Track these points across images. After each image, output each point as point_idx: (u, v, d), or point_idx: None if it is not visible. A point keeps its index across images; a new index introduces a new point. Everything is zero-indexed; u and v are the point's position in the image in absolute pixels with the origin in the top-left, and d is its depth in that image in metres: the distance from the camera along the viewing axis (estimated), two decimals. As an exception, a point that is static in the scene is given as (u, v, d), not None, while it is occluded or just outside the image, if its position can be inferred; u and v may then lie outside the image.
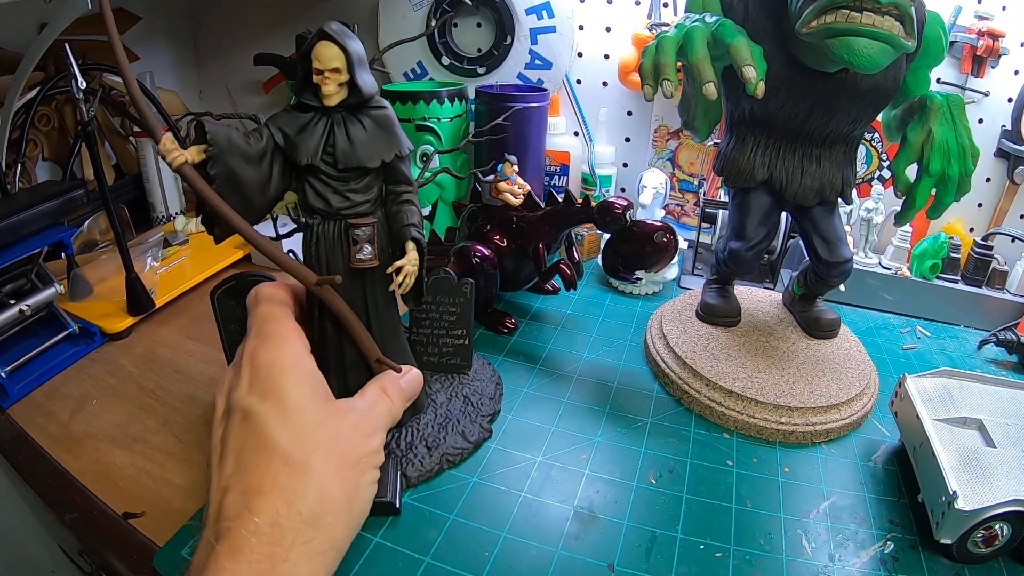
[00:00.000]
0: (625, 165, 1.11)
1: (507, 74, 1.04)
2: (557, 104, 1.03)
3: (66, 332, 0.70)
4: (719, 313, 0.76)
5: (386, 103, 0.48)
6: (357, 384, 0.53)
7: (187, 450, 0.57)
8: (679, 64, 0.54)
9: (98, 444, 0.57)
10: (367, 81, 0.46)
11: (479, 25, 1.05)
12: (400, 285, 0.49)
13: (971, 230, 1.04)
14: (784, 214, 0.76)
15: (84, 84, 0.68)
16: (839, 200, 0.69)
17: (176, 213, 1.01)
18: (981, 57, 0.93)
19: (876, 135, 0.99)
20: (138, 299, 0.74)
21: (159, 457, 0.56)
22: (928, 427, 0.56)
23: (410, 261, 0.48)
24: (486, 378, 0.65)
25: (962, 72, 0.94)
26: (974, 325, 0.92)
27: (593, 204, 0.71)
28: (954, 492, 0.48)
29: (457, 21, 1.05)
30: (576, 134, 1.08)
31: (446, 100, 0.90)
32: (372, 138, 0.47)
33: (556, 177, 1.05)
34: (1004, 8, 0.91)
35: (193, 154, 0.45)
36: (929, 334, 0.89)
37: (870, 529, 0.53)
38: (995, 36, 0.91)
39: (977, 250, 0.92)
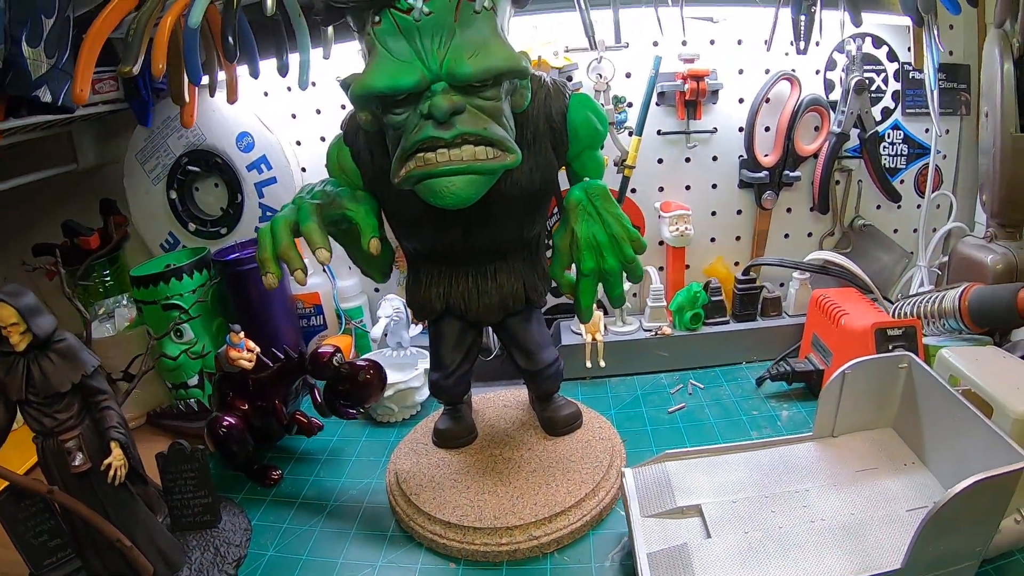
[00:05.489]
0: (377, 290, 1.21)
1: (246, 230, 1.15)
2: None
3: None
4: (450, 436, 0.81)
5: (66, 335, 0.65)
6: (112, 563, 0.68)
7: None
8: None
9: None
10: (41, 325, 0.63)
11: (217, 185, 1.18)
12: (115, 478, 0.65)
13: (736, 264, 1.11)
14: None
15: None
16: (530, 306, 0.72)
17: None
18: (693, 100, 1.01)
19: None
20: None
21: None
22: (635, 527, 0.56)
23: (115, 458, 0.65)
24: (236, 527, 0.79)
25: (680, 119, 1.04)
26: (756, 358, 0.98)
27: (306, 357, 0.84)
28: None
29: (198, 185, 1.18)
30: (325, 270, 1.17)
31: (184, 275, 1.00)
32: (60, 367, 0.64)
33: (313, 318, 1.18)
34: (712, 42, 1.00)
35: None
36: (702, 386, 0.93)
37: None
38: (698, 77, 0.99)
39: (740, 286, 0.98)
